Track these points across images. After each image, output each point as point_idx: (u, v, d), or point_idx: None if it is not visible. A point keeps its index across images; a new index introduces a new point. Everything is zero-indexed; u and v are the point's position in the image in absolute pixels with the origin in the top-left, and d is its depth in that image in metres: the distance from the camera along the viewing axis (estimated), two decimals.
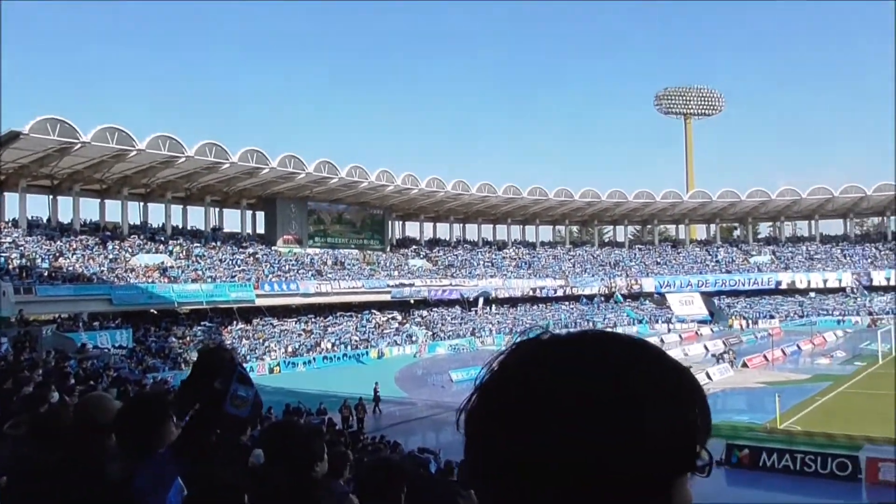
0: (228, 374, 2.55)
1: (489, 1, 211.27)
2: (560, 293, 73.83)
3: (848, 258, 79.61)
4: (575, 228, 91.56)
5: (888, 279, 74.39)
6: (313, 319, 55.57)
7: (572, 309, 72.73)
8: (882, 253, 79.04)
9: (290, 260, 58.14)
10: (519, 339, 0.90)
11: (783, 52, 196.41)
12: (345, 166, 57.38)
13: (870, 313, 71.18)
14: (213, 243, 55.73)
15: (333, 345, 52.12)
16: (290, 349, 49.28)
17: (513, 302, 70.86)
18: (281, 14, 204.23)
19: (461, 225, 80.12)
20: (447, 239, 78.56)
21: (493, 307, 68.75)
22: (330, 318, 57.09)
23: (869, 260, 78.39)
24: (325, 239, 63.84)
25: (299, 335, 52.37)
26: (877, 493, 18.52)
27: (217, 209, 60.84)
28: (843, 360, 44.72)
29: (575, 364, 0.81)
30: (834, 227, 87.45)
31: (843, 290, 75.69)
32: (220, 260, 53.53)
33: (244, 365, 2.78)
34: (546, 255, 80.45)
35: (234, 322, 50.37)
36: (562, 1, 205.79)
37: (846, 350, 49.32)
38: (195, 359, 2.74)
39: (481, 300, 67.61)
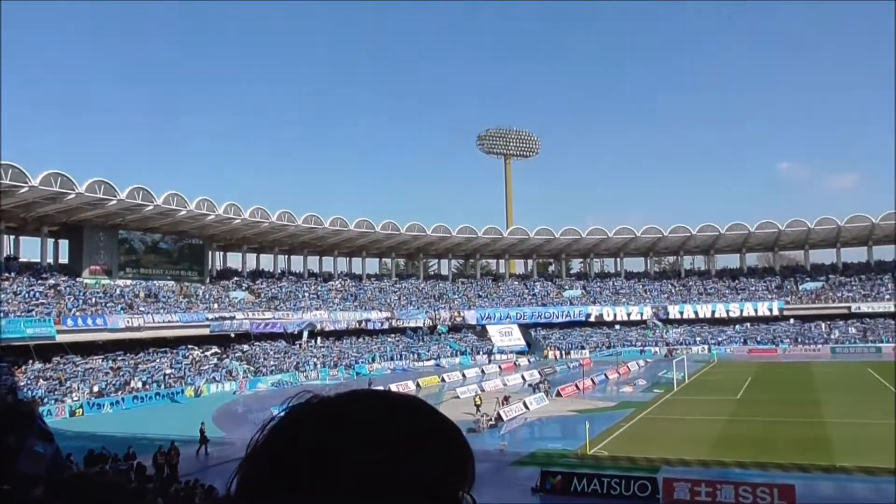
0: (25, 428, 2.34)
1: (325, 35, 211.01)
2: (386, 325, 74.16)
3: (648, 293, 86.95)
4: (401, 261, 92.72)
5: (682, 313, 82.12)
6: (122, 356, 51.53)
7: (398, 341, 73.27)
8: (676, 289, 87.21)
9: (98, 292, 53.82)
10: (290, 405, 0.92)
11: (593, 98, 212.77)
12: (161, 194, 54.34)
13: (667, 344, 77.99)
14: (7, 274, 50.39)
15: (145, 383, 48.58)
16: (95, 389, 45.29)
17: (338, 335, 70.11)
18: (93, 31, 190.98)
19: (286, 256, 78.51)
20: (271, 270, 76.58)
21: (319, 340, 67.63)
22: (142, 354, 53.25)
23: (666, 295, 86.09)
24: (138, 270, 59.79)
25: (106, 374, 48.30)
26: None
27: (12, 237, 55.27)
28: (644, 388, 48.48)
29: (341, 424, 0.84)
30: (636, 264, 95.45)
31: (644, 322, 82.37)
32: (15, 293, 48.43)
33: (41, 409, 2.56)
34: (372, 287, 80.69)
35: (31, 361, 45.61)
36: (395, 41, 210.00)
37: (646, 378, 53.54)
38: None
39: (306, 333, 66.34)
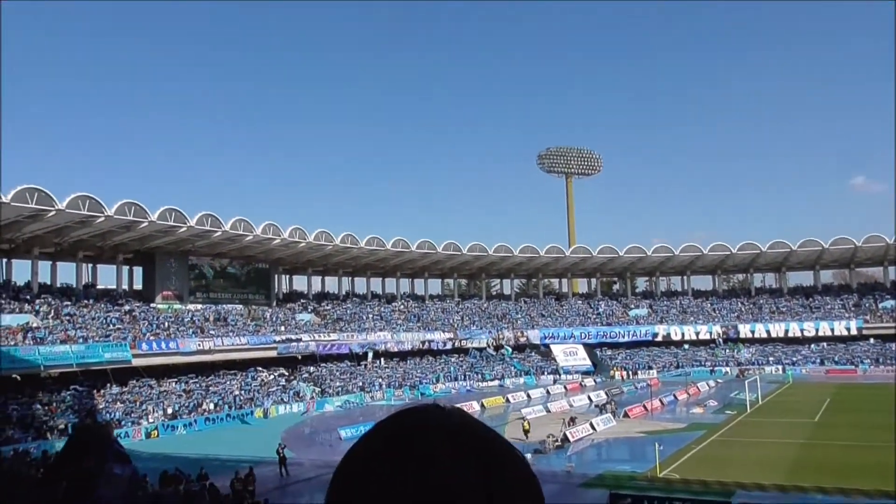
0: (102, 451, 2.43)
1: (376, 54, 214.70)
2: (449, 346, 74.22)
3: (717, 312, 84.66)
4: (463, 281, 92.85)
5: (752, 332, 79.60)
6: (194, 379, 53.04)
7: (461, 361, 73.18)
8: (746, 307, 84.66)
9: (170, 317, 55.58)
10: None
11: (656, 115, 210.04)
12: (228, 219, 55.95)
13: (738, 364, 75.63)
14: (86, 301, 52.55)
15: (216, 405, 49.83)
16: (169, 411, 46.68)
17: (402, 355, 70.53)
18: (161, 54, 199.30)
19: (350, 278, 79.59)
20: (335, 292, 77.72)
21: (383, 361, 68.15)
22: (212, 377, 54.69)
23: (735, 314, 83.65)
24: (208, 294, 61.58)
25: (179, 396, 49.79)
26: None
27: (90, 265, 57.65)
28: (716, 410, 47.11)
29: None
30: (703, 282, 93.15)
31: (713, 342, 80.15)
32: (93, 318, 50.41)
33: (118, 431, 2.66)
34: (435, 307, 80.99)
35: (109, 385, 47.27)
36: (451, 60, 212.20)
37: (718, 399, 52.05)
38: (69, 435, 2.61)
39: (370, 354, 66.95)
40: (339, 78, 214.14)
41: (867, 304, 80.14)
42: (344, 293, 77.93)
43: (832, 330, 77.37)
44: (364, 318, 72.66)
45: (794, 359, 76.30)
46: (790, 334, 78.71)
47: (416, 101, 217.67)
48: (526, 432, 35.93)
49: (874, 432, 34.93)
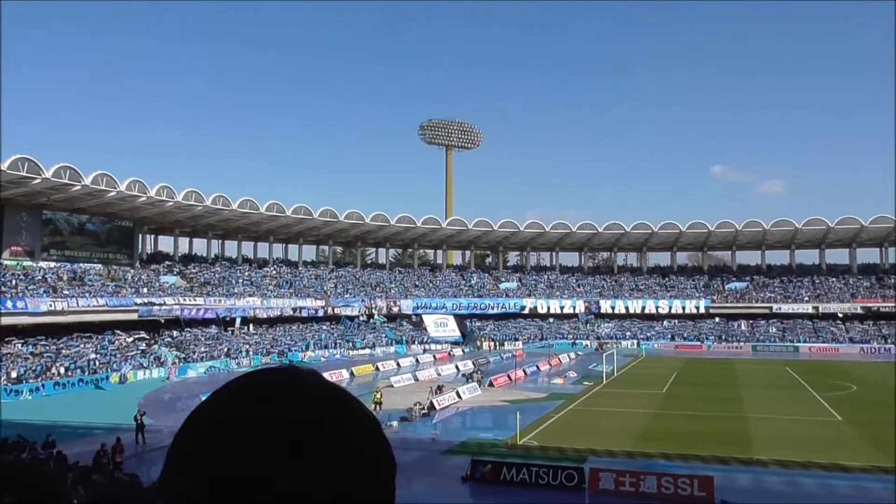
0: None
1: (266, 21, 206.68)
2: (321, 313, 73.56)
3: (581, 287, 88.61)
4: (338, 249, 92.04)
5: (613, 308, 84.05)
6: (44, 341, 49.67)
7: (333, 329, 72.77)
8: (609, 284, 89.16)
9: (18, 274, 51.66)
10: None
11: (537, 93, 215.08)
12: (90, 173, 52.44)
13: (598, 338, 79.70)
14: None
15: (67, 369, 46.93)
16: (13, 375, 43.55)
17: (272, 322, 69.20)
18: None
19: (220, 241, 76.95)
20: (204, 255, 74.94)
21: (251, 327, 66.61)
22: (65, 339, 51.44)
23: (598, 290, 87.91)
24: (63, 252, 57.62)
25: (26, 359, 46.52)
26: (597, 499, 20.68)
27: None
28: (575, 380, 49.49)
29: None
30: (571, 258, 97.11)
31: (576, 316, 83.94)
32: None
33: None
34: (308, 274, 79.87)
35: None
36: (337, 26, 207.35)
37: (577, 371, 54.64)
38: None
39: (238, 320, 65.26)
40: (212, 34, 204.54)
41: (715, 285, 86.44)
42: (213, 256, 75.29)
43: (683, 308, 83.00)
44: (233, 282, 70.54)
45: (648, 334, 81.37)
46: (646, 311, 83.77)
47: (298, 63, 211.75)
48: (377, 404, 35.16)
49: (716, 404, 37.98)
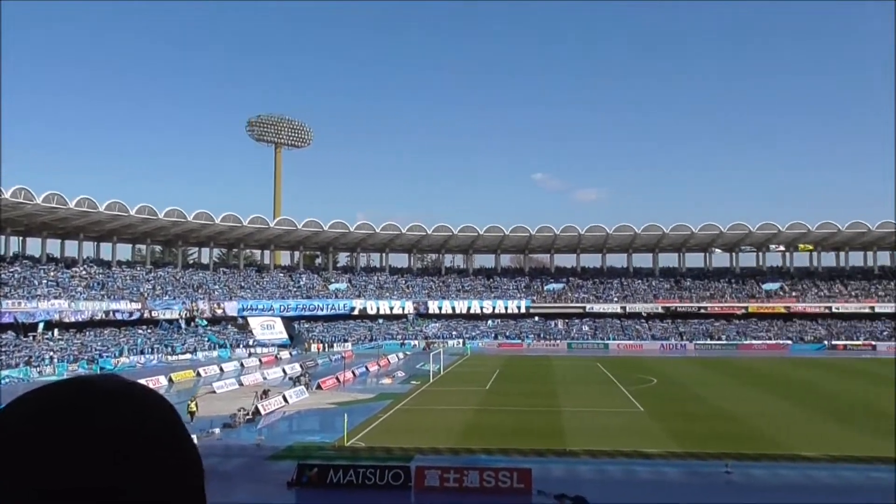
0: None
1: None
2: (136, 316, 69.00)
3: (410, 288, 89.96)
4: (157, 248, 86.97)
5: (440, 308, 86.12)
6: None
7: (150, 334, 68.52)
8: (437, 285, 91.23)
9: None
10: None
11: (368, 92, 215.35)
12: None
13: (426, 337, 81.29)
14: None
15: None
16: None
17: (81, 326, 63.88)
18: None
19: (20, 238, 69.99)
20: (2, 253, 67.85)
21: (56, 332, 61.14)
22: None
23: (426, 291, 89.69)
24: None
25: None
26: (422, 497, 21.15)
27: None
28: (402, 380, 50.15)
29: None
30: (401, 259, 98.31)
31: (405, 316, 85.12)
32: None
33: None
34: (123, 275, 74.65)
35: None
36: (160, 15, 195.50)
37: (405, 371, 55.40)
38: None
39: (41, 325, 59.71)
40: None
41: (535, 286, 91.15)
42: (12, 254, 68.32)
43: (506, 308, 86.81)
44: (35, 283, 64.40)
45: (473, 333, 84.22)
46: (472, 311, 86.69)
47: (126, 49, 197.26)
48: (192, 414, 33.03)
49: (534, 399, 40.09)
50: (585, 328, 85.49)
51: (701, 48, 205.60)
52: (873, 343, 78.10)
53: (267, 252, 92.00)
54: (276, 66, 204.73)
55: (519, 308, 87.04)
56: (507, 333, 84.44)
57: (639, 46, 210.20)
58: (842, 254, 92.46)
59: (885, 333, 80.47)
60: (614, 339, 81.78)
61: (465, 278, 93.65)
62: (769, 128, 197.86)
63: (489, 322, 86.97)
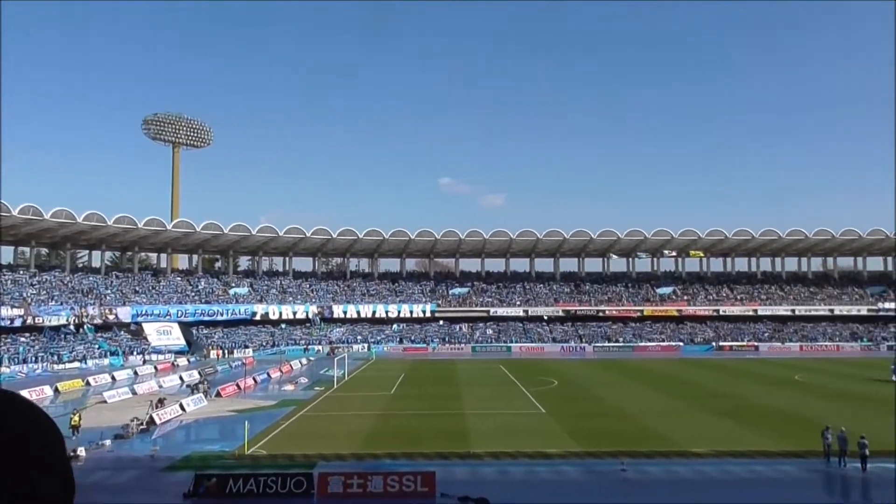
0: None
1: None
2: (18, 323, 64.90)
3: (314, 292, 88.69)
4: (43, 250, 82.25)
5: (345, 312, 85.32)
6: None
7: (34, 341, 64.63)
8: (341, 289, 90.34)
9: None
10: None
11: (271, 91, 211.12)
12: None
13: (330, 342, 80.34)
14: None
15: None
16: None
17: None
18: None
19: None
20: None
21: None
22: None
23: (331, 295, 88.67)
24: None
25: None
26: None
27: None
28: (306, 386, 49.35)
29: None
30: (304, 264, 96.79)
31: (309, 321, 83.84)
32: None
33: None
34: (4, 279, 70.13)
35: None
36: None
37: (308, 376, 54.54)
38: None
39: None
40: None
41: (441, 291, 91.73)
42: None
43: (411, 312, 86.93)
44: None
45: (378, 337, 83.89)
46: (377, 315, 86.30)
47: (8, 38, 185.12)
48: (74, 428, 30.18)
49: (439, 402, 40.33)
50: (489, 331, 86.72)
51: (602, 50, 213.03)
52: (756, 344, 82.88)
53: (164, 255, 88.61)
54: (174, 65, 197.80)
55: (424, 312, 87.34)
56: (413, 338, 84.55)
57: (545, 49, 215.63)
58: (728, 259, 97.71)
59: (766, 335, 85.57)
60: (517, 342, 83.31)
61: (371, 282, 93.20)
62: (666, 133, 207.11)
63: (394, 326, 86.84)
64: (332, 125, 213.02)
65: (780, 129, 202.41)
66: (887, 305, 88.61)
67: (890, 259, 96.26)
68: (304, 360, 66.64)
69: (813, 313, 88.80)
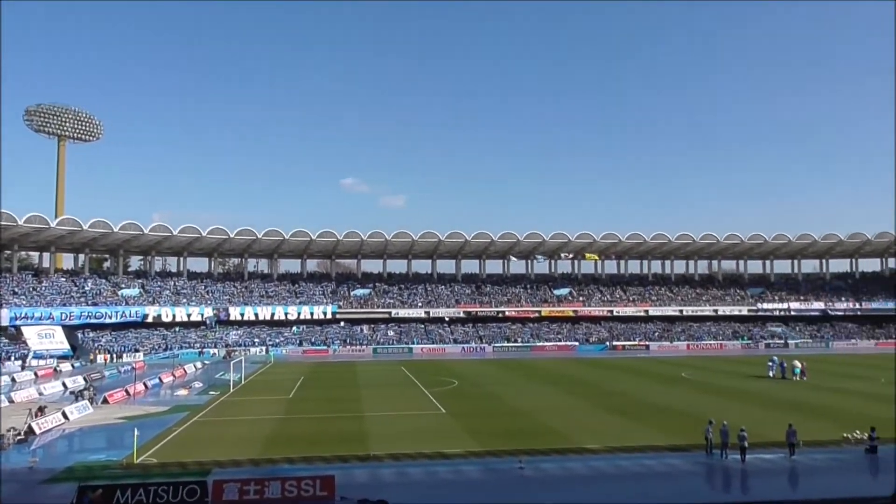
0: None
1: None
2: None
3: (210, 294, 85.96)
4: None
5: (242, 314, 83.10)
6: None
7: None
8: (238, 290, 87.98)
9: None
10: None
11: (166, 82, 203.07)
12: None
13: (226, 345, 78.08)
14: None
15: None
16: None
17: None
18: None
19: None
20: None
21: None
22: None
23: (228, 297, 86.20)
24: None
25: None
26: None
27: None
28: (200, 391, 47.74)
29: None
30: (200, 264, 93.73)
31: (204, 323, 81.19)
32: None
33: None
34: None
35: None
36: None
37: (203, 381, 52.77)
38: None
39: None
40: None
41: (342, 292, 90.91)
42: None
43: (312, 314, 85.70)
44: None
45: (277, 340, 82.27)
46: (276, 317, 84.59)
47: None
48: None
49: (338, 404, 39.94)
50: (391, 333, 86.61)
51: (498, 52, 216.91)
52: (647, 343, 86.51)
53: (46, 255, 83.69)
54: (61, 55, 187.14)
55: (325, 314, 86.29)
56: (313, 340, 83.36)
57: (443, 50, 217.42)
58: (622, 262, 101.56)
59: (656, 334, 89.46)
60: (418, 344, 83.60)
61: (270, 283, 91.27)
62: (563, 136, 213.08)
63: (294, 328, 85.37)
64: (232, 123, 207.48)
65: (672, 134, 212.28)
66: (766, 306, 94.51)
67: (768, 262, 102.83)
68: (198, 364, 64.51)
69: (699, 313, 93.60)
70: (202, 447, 28.63)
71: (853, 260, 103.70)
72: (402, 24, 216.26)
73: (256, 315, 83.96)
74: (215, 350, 77.07)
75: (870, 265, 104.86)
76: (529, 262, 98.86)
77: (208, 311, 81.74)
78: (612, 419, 34.48)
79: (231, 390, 46.79)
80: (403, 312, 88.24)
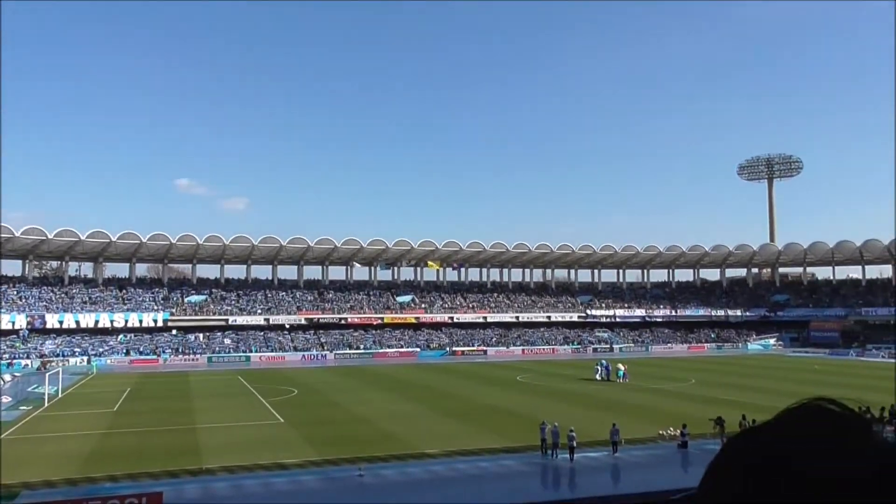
0: None
1: None
2: None
3: (24, 300, 78.72)
4: None
5: (61, 322, 76.74)
6: None
7: None
8: (57, 296, 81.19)
9: None
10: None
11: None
12: None
13: (41, 356, 71.68)
14: None
15: None
16: None
17: None
18: None
19: None
20: None
21: None
22: None
23: (45, 303, 79.30)
24: None
25: None
26: None
27: None
28: (9, 406, 43.52)
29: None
30: (14, 267, 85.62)
31: (16, 332, 74.14)
32: None
33: None
34: None
35: None
36: None
37: (13, 395, 48.14)
38: None
39: None
40: None
41: (175, 298, 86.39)
42: None
43: (141, 322, 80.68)
44: None
45: (101, 349, 76.65)
46: (101, 325, 78.84)
47: None
48: None
49: (168, 417, 37.86)
50: (227, 341, 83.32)
51: (342, 50, 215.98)
52: (485, 349, 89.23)
53: None
54: None
55: (155, 321, 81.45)
56: (142, 349, 78.45)
57: (289, 47, 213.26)
58: (462, 270, 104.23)
59: (494, 340, 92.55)
60: (257, 352, 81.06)
61: (94, 289, 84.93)
62: (409, 141, 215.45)
63: (120, 337, 79.91)
64: (46, 113, 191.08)
65: (514, 143, 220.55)
66: (594, 312, 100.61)
67: (596, 271, 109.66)
68: (6, 377, 58.66)
69: (534, 320, 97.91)
70: (9, 469, 26.08)
71: (670, 270, 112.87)
72: (225, 12, 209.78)
73: (78, 322, 77.71)
74: (28, 361, 70.47)
75: (684, 275, 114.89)
76: (372, 268, 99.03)
77: (21, 319, 74.70)
78: (450, 423, 35.23)
79: (46, 405, 43.06)
80: (241, 319, 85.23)
